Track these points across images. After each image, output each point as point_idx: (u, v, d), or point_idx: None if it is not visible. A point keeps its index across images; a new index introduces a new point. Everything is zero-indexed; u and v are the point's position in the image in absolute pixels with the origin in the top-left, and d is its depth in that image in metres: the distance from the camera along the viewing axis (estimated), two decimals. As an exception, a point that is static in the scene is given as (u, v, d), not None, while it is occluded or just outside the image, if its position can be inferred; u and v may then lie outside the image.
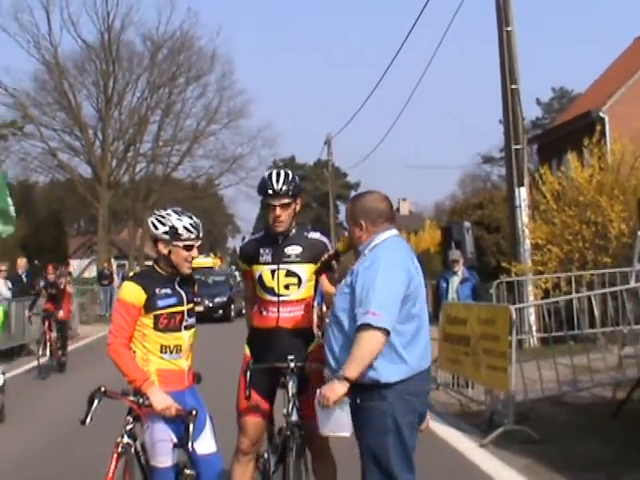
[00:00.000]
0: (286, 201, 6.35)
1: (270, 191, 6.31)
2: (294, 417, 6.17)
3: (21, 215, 50.05)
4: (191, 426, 5.73)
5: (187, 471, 6.18)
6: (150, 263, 6.41)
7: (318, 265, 6.36)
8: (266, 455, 6.43)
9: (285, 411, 6.23)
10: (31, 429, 12.12)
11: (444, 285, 15.06)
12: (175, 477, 6.11)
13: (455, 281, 14.91)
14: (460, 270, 15.06)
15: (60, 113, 61.09)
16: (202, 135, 64.56)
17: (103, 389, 5.86)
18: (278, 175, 6.37)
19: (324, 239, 6.64)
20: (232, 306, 36.70)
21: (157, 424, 5.91)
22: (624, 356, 12.34)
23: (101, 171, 59.72)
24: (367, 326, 5.09)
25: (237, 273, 39.24)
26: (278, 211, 6.35)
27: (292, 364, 6.17)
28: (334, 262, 6.27)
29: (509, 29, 20.40)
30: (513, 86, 20.43)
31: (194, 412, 5.77)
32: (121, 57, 61.61)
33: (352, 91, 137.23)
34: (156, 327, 6.01)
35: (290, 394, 6.17)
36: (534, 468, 8.88)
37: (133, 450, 5.93)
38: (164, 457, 5.97)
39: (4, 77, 68.90)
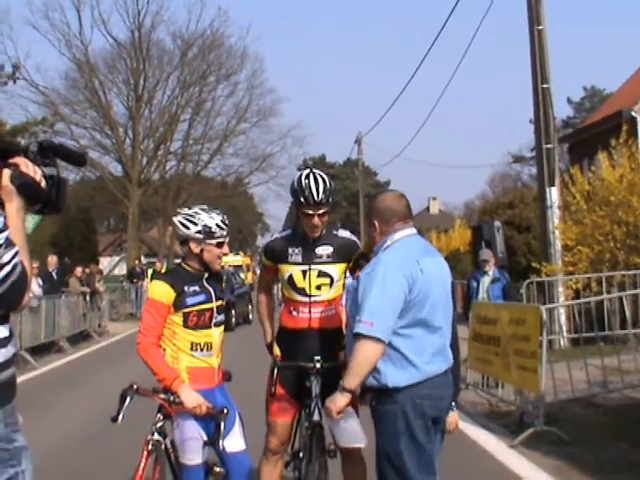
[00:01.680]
0: (324, 210, 6.30)
1: (311, 201, 6.22)
2: (316, 416, 6.15)
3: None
4: (222, 424, 5.75)
5: (217, 469, 6.21)
6: (179, 261, 6.44)
7: (348, 267, 6.34)
8: (301, 454, 6.39)
9: (307, 410, 6.23)
10: (61, 426, 12.18)
11: (474, 285, 14.98)
12: (205, 475, 6.13)
13: (486, 281, 14.83)
14: (491, 270, 14.97)
15: (90, 111, 61.42)
16: (232, 133, 64.69)
17: (135, 387, 5.88)
18: (317, 183, 6.24)
19: (354, 237, 6.62)
20: (233, 311, 30.41)
21: (187, 422, 5.94)
22: (655, 357, 12.27)
23: (131, 169, 59.97)
24: (359, 335, 5.06)
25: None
26: (317, 220, 6.29)
27: (318, 364, 6.17)
28: (363, 262, 6.21)
29: (540, 28, 20.31)
30: (544, 85, 20.34)
31: (225, 410, 5.79)
32: (151, 55, 61.85)
33: (383, 90, 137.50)
34: (186, 325, 6.04)
35: (313, 394, 6.15)
36: (564, 470, 8.83)
37: (163, 447, 5.96)
38: (194, 455, 6.00)
39: (35, 75, 69.17)
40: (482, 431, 11.04)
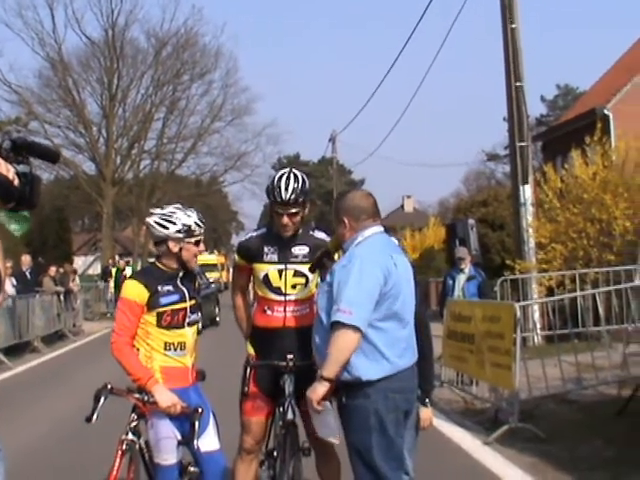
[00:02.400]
0: (294, 210, 6.26)
1: (278, 199, 6.21)
2: (290, 415, 6.16)
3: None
4: (197, 424, 5.74)
5: (191, 469, 6.19)
6: (152, 260, 6.42)
7: (310, 265, 6.27)
8: (275, 453, 6.38)
9: (281, 409, 6.23)
10: (37, 426, 12.11)
11: (450, 282, 15.02)
12: (179, 474, 6.12)
13: (461, 279, 14.87)
14: (467, 267, 15.02)
15: (64, 110, 61.14)
16: (206, 132, 64.58)
17: (109, 386, 5.87)
18: (287, 182, 6.22)
19: (327, 239, 6.59)
20: (199, 313, 27.32)
21: (161, 421, 5.92)
22: (628, 354, 12.33)
23: (105, 168, 59.76)
24: (338, 324, 5.10)
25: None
26: (286, 219, 6.27)
27: (291, 363, 6.16)
28: (327, 260, 6.16)
29: (514, 26, 20.38)
30: (518, 83, 20.41)
31: (199, 410, 5.78)
32: (125, 54, 61.62)
33: (357, 88, 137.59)
34: (159, 324, 6.02)
35: (287, 393, 6.15)
36: (539, 466, 8.87)
37: (137, 447, 5.94)
38: (168, 454, 5.98)
39: (8, 74, 68.61)
40: (457, 428, 11.07)
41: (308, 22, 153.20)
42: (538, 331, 17.89)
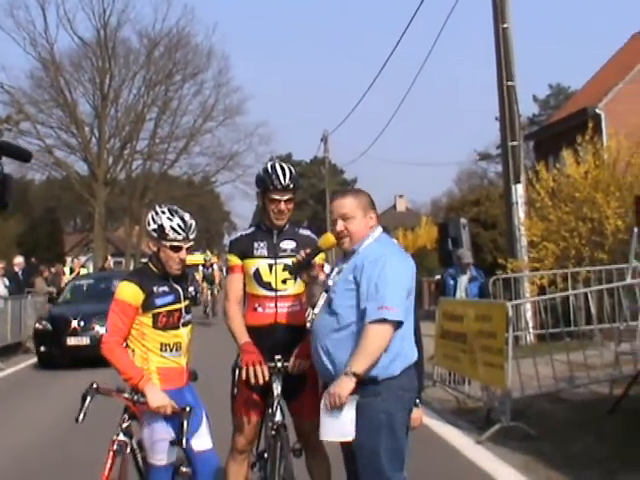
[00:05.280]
0: (291, 196, 6.34)
1: (278, 185, 6.26)
2: (277, 417, 6.13)
3: (17, 213, 50.15)
4: (185, 423, 5.72)
5: (183, 469, 6.18)
6: (145, 261, 6.41)
7: (295, 262, 6.08)
8: (266, 455, 6.37)
9: (270, 410, 6.21)
10: (27, 427, 12.10)
11: (451, 283, 14.92)
12: (172, 475, 6.11)
13: (464, 280, 14.80)
14: (469, 269, 14.99)
15: (56, 110, 61.20)
16: (198, 132, 64.67)
17: (95, 385, 5.86)
18: (283, 169, 6.32)
19: (314, 236, 6.58)
20: None
21: (156, 422, 5.90)
22: (620, 353, 12.34)
23: (97, 168, 59.77)
24: (383, 321, 5.06)
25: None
26: (283, 205, 6.32)
27: (279, 364, 6.13)
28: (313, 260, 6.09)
29: (505, 26, 20.37)
30: (509, 83, 20.40)
31: (187, 408, 5.76)
32: (117, 54, 61.70)
33: (349, 88, 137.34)
34: (155, 325, 6.01)
35: (275, 394, 6.11)
36: (531, 465, 8.87)
37: (129, 448, 5.93)
38: (163, 455, 5.96)
39: (0, 74, 68.67)
40: (449, 428, 11.08)
41: (300, 21, 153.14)
42: (530, 330, 17.88)
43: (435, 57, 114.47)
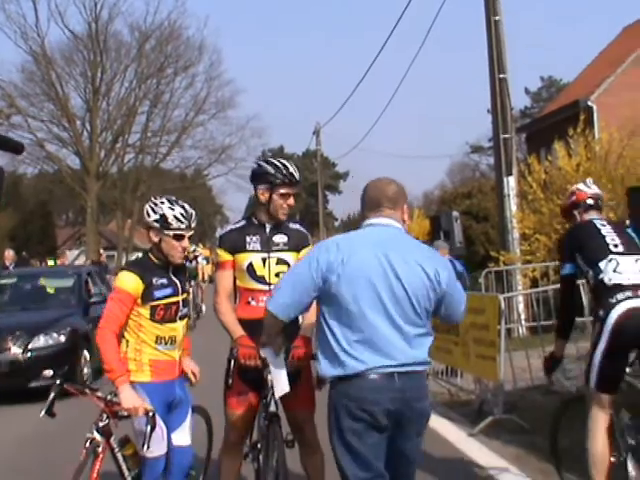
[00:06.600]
0: (297, 190, 6.45)
1: (293, 180, 6.36)
2: (272, 407, 6.17)
3: (9, 207, 50.07)
4: (148, 428, 5.66)
5: None
6: (139, 254, 6.40)
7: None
8: (259, 445, 6.37)
9: (264, 401, 6.23)
10: (12, 426, 12.02)
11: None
12: (165, 465, 6.11)
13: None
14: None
15: (48, 104, 61.17)
16: (190, 125, 64.70)
17: (58, 381, 5.87)
18: (289, 164, 6.41)
19: (304, 230, 6.68)
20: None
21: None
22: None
23: (89, 162, 59.72)
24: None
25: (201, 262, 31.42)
26: (291, 200, 6.40)
27: None
28: None
29: (497, 18, 20.36)
30: (501, 75, 20.41)
31: (151, 414, 5.71)
32: (109, 48, 61.66)
33: (341, 81, 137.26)
34: (152, 318, 6.03)
35: (269, 385, 6.12)
36: (524, 457, 8.90)
37: (101, 447, 5.82)
38: (157, 446, 5.94)
39: (-9, 68, 68.52)
40: (442, 420, 11.08)
41: (291, 14, 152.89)
42: (523, 322, 17.90)
43: (427, 49, 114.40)
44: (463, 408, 11.86)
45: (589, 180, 7.70)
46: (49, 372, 13.51)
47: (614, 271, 6.67)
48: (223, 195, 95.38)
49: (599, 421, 6.72)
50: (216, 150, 65.65)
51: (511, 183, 20.50)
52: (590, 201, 7.23)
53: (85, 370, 14.59)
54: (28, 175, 68.83)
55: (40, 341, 14.14)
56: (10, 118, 57.55)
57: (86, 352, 14.66)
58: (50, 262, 27.50)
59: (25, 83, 60.11)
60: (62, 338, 14.37)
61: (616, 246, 6.79)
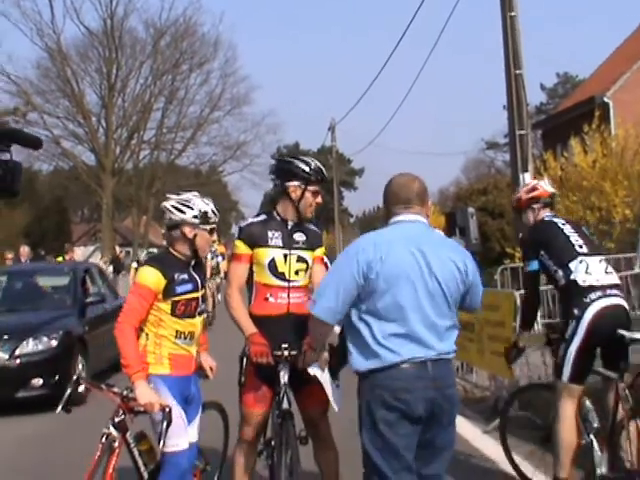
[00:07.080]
0: (319, 188, 6.49)
1: (324, 177, 6.46)
2: (285, 405, 6.17)
3: (25, 203, 50.17)
4: (164, 424, 5.65)
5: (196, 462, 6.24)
6: (154, 250, 6.42)
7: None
8: (273, 442, 6.36)
9: (277, 398, 6.23)
10: (19, 423, 12.06)
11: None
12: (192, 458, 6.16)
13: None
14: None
15: (63, 101, 61.33)
16: (206, 122, 64.78)
17: (75, 377, 5.89)
18: (317, 162, 6.46)
19: (318, 230, 6.76)
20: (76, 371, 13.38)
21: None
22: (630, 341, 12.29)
23: (105, 159, 59.85)
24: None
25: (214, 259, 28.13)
26: (320, 198, 6.47)
27: (286, 352, 6.15)
28: None
29: (513, 14, 20.25)
30: (517, 71, 20.29)
31: (167, 409, 5.69)
32: (124, 44, 61.77)
33: (356, 77, 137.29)
34: (173, 313, 6.06)
35: (282, 382, 6.15)
36: (538, 454, 8.84)
37: (117, 442, 5.80)
38: (179, 439, 5.96)
39: (7, 65, 68.76)
40: (457, 417, 11.03)
41: (307, 10, 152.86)
42: (538, 319, 17.85)
43: (442, 46, 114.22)
44: (478, 405, 11.84)
45: (546, 180, 8.41)
46: (38, 381, 12.51)
47: (586, 272, 7.01)
48: (238, 192, 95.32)
49: (568, 409, 7.36)
50: (231, 147, 65.83)
51: (527, 179, 20.35)
52: (549, 199, 7.74)
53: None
54: (43, 172, 69.14)
55: (29, 346, 12.72)
56: (27, 116, 57.72)
57: (81, 358, 13.41)
58: (59, 258, 27.27)
59: (41, 80, 60.40)
60: (53, 342, 12.90)
61: (581, 247, 7.16)
